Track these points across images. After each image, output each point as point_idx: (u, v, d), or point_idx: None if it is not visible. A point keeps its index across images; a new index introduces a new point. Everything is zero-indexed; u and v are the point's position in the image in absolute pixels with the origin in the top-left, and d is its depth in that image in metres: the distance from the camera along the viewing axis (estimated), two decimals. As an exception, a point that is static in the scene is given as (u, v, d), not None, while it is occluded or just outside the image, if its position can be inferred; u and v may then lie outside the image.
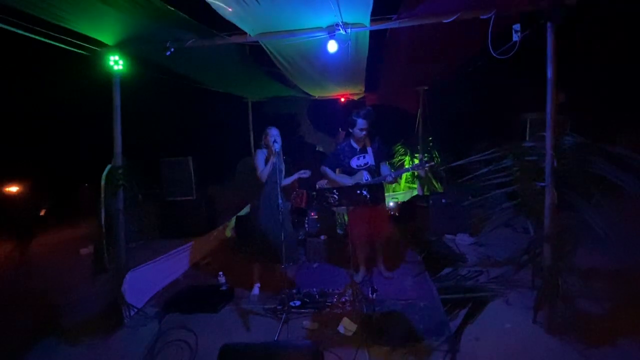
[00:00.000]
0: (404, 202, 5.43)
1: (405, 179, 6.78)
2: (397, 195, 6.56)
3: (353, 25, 2.68)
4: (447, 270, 3.87)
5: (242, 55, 3.74)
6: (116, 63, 2.90)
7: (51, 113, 8.02)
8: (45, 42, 2.53)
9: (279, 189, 3.25)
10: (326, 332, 2.72)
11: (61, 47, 2.65)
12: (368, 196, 2.79)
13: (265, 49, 3.23)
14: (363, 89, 5.70)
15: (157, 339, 2.74)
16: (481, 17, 2.54)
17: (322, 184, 5.58)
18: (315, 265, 4.26)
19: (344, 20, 2.63)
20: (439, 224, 4.88)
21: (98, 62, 2.93)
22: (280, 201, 3.25)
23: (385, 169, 3.42)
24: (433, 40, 3.36)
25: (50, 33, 2.50)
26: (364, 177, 3.41)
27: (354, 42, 3.00)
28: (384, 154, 3.55)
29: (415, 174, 6.27)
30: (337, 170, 3.62)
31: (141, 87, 3.89)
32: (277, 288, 3.46)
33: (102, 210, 2.84)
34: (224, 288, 3.52)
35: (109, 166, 2.94)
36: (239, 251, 4.72)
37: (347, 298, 3.02)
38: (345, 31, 2.65)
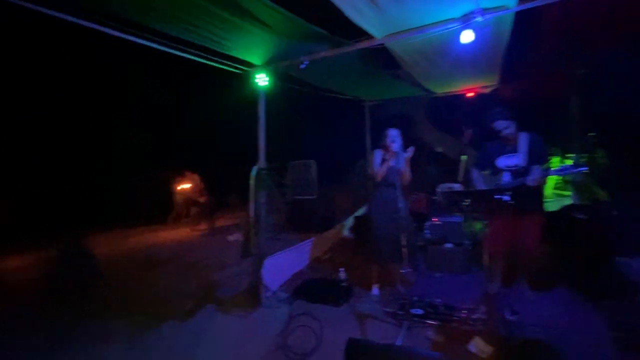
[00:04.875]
0: (552, 213, 4.48)
1: (555, 184, 5.62)
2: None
3: (494, 9, 2.40)
4: (618, 300, 3.02)
5: (364, 59, 3.84)
6: (262, 80, 3.41)
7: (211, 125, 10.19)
8: (207, 65, 3.19)
9: (398, 191, 3.19)
10: (454, 349, 2.50)
11: (217, 68, 3.30)
12: (511, 202, 2.42)
13: (390, 51, 3.23)
14: (497, 80, 5.02)
15: (288, 322, 3.07)
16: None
17: (444, 187, 5.20)
18: (437, 275, 3.99)
19: (482, 6, 2.38)
20: (606, 242, 3.84)
21: (247, 80, 3.52)
22: (400, 204, 3.19)
23: (537, 172, 2.79)
24: (599, 11, 2.69)
25: (214, 58, 3.14)
26: (504, 179, 2.98)
27: (495, 27, 2.67)
28: (540, 155, 2.87)
29: (568, 178, 5.12)
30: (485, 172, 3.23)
31: (274, 98, 4.46)
32: (395, 292, 3.42)
33: (252, 205, 3.38)
34: (344, 284, 3.68)
35: (255, 167, 3.48)
36: (357, 251, 4.86)
37: (479, 316, 2.71)
38: (484, 17, 2.39)
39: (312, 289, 3.73)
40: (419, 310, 3.01)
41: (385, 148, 3.30)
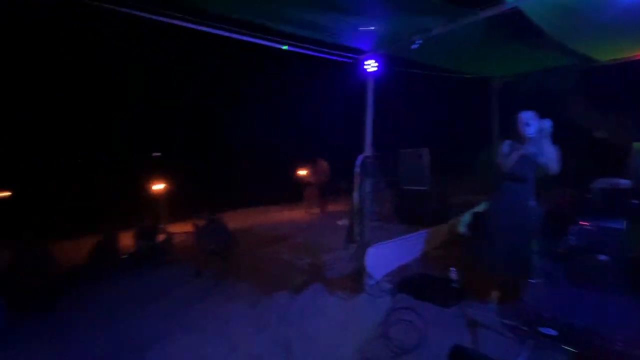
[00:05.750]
0: None
1: None
2: None
3: None
4: None
5: (491, 29, 3.28)
6: (370, 66, 3.35)
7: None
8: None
9: (528, 186, 2.69)
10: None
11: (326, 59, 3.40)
12: None
13: (527, 14, 2.66)
14: None
15: (390, 313, 3.00)
16: None
17: (604, 183, 4.09)
18: (581, 291, 3.19)
19: None
20: None
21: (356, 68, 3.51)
22: (530, 202, 2.69)
23: None
24: None
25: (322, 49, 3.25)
26: None
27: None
28: None
29: None
30: None
31: (384, 83, 4.30)
32: (520, 303, 2.91)
33: (356, 193, 3.43)
34: (454, 285, 3.36)
35: (361, 156, 3.49)
36: (473, 251, 4.36)
37: (645, 353, 2.05)
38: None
39: (418, 284, 3.54)
40: (551, 330, 2.49)
41: (517, 134, 2.82)
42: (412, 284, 3.54)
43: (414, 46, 2.98)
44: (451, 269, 3.47)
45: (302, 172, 9.06)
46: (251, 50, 3.20)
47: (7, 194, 7.21)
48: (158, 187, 7.25)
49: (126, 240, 5.23)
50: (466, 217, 5.46)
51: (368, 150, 3.53)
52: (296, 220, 7.97)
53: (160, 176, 7.46)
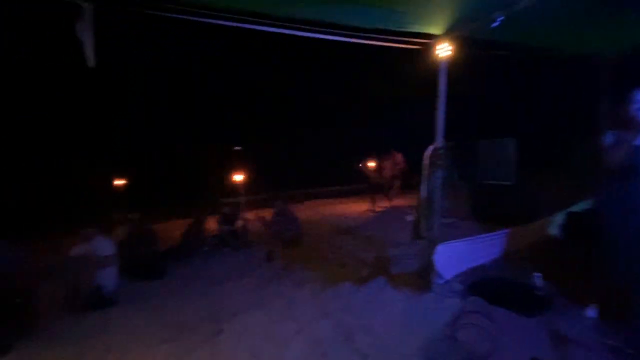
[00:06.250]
0: None
1: None
2: None
3: None
4: None
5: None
6: (443, 50, 3.11)
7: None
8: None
9: None
10: None
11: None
12: None
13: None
14: None
15: (459, 316, 2.82)
16: None
17: None
18: None
19: None
20: None
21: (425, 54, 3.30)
22: None
23: None
24: None
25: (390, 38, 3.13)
26: None
27: None
28: None
29: None
30: None
31: (460, 67, 3.92)
32: (625, 321, 2.44)
33: (424, 186, 3.26)
34: (540, 293, 2.98)
35: (431, 147, 3.30)
36: (567, 256, 3.78)
37: None
38: None
39: (495, 288, 3.25)
40: (667, 358, 2.05)
41: (628, 120, 2.35)
42: (487, 287, 3.26)
43: (495, 24, 2.66)
44: (536, 274, 3.08)
45: (373, 164, 8.92)
46: (318, 45, 3.27)
47: (123, 182, 8.75)
48: (238, 177, 7.96)
49: (211, 224, 5.92)
50: (559, 218, 4.76)
51: (439, 141, 3.31)
52: (364, 213, 7.95)
53: (240, 168, 8.18)
